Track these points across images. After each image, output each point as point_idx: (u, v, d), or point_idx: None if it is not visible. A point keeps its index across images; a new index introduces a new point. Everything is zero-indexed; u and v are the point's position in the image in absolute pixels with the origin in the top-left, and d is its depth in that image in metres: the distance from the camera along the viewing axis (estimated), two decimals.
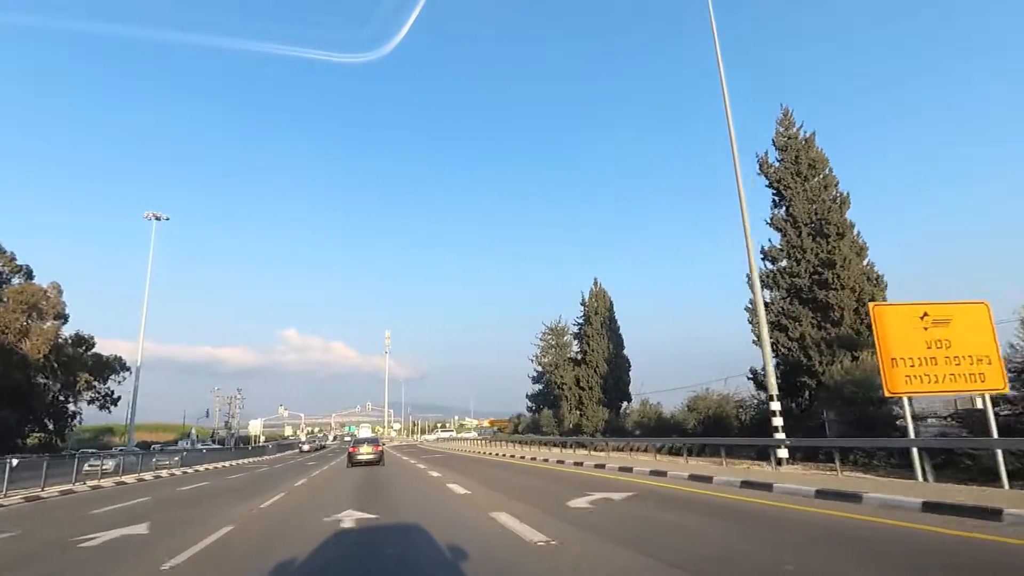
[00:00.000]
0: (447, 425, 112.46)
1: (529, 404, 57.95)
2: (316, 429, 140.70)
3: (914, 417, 12.28)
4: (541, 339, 60.19)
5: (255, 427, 79.40)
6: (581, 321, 43.54)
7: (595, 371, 37.32)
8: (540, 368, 58.82)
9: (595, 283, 40.65)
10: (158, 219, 54.06)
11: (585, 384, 37.36)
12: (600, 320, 38.88)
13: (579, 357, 41.99)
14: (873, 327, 12.09)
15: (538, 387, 58.31)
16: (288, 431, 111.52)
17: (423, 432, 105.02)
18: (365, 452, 25.12)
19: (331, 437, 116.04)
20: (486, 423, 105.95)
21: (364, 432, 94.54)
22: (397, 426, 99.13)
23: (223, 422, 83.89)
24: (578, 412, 38.34)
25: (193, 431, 64.96)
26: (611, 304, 39.52)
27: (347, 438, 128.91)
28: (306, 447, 60.50)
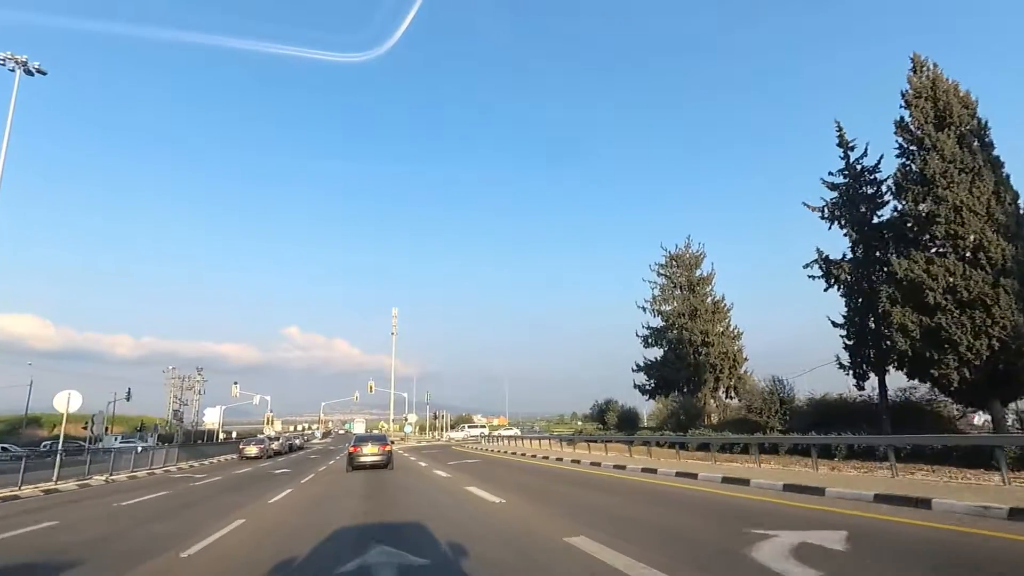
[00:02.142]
0: (475, 420, 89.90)
1: (644, 382, 34.30)
2: (320, 427, 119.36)
3: None
4: (660, 272, 36.73)
5: (212, 417, 56.68)
6: (842, 172, 20.37)
7: (969, 263, 13.84)
8: (662, 320, 35.31)
9: (921, 64, 17.04)
10: (27, 71, 31.39)
11: (953, 295, 13.83)
12: (952, 140, 15.54)
13: (892, 254, 18.63)
14: None
15: (657, 352, 34.76)
16: (278, 426, 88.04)
17: (444, 429, 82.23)
18: (369, 453, 20.50)
19: (319, 434, 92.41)
20: (496, 421, 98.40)
21: (359, 428, 74.10)
22: (412, 418, 75.79)
23: (174, 411, 62.14)
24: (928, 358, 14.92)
25: (100, 416, 41.81)
26: (975, 111, 16.00)
27: (341, 432, 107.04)
28: (254, 450, 32.58)
